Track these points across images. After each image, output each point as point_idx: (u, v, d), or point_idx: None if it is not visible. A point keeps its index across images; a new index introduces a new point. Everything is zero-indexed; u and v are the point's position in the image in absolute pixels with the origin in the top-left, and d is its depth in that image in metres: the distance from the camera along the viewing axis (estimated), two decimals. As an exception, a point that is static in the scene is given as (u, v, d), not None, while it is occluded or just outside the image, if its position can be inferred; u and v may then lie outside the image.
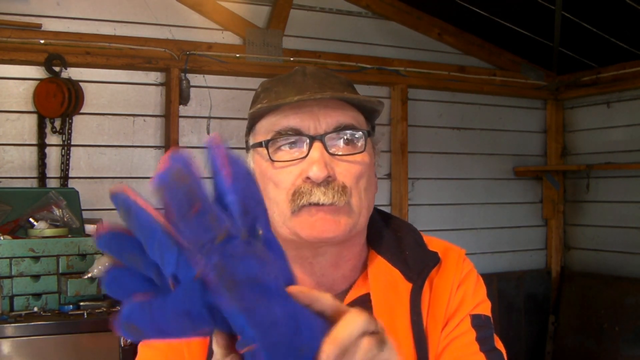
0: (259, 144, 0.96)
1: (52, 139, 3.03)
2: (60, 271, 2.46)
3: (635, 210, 3.92)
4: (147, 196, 0.51)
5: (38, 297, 2.43)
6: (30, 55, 2.93)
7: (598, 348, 3.85)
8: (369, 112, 1.00)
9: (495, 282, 4.03)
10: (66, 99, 2.95)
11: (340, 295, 0.98)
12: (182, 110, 3.28)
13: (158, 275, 0.51)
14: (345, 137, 0.94)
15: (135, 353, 1.00)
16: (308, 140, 0.92)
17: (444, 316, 0.96)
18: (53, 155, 3.03)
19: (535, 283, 4.26)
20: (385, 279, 0.98)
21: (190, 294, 0.49)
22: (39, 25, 2.98)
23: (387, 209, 3.66)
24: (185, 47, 3.26)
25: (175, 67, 3.21)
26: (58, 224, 2.61)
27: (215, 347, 0.55)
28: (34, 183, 2.99)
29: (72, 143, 3.06)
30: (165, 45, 3.23)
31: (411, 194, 3.88)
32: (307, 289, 0.57)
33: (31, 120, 3.00)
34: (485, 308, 0.99)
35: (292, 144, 0.94)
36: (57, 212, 2.63)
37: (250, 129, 1.01)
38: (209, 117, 3.38)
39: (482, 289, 1.02)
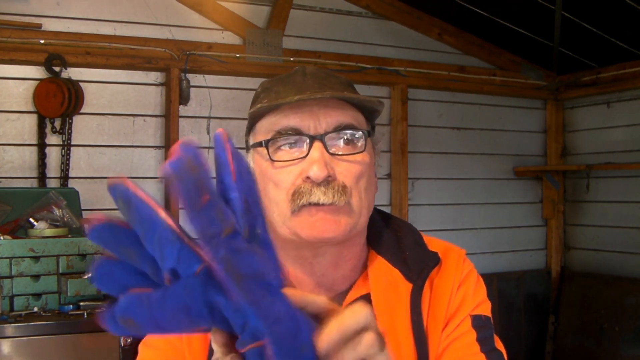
0: (259, 144, 0.96)
1: (52, 139, 3.03)
2: (60, 271, 2.46)
3: (635, 210, 3.92)
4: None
5: (38, 297, 2.43)
6: (30, 55, 2.93)
7: (598, 348, 3.85)
8: (369, 112, 0.99)
9: (495, 282, 4.03)
10: (66, 99, 2.95)
11: (341, 296, 0.98)
12: (182, 110, 3.28)
13: (154, 269, 0.50)
14: (345, 137, 0.94)
15: (135, 353, 0.99)
16: (308, 140, 0.92)
17: (444, 316, 0.96)
18: (53, 155, 3.03)
19: (535, 283, 4.26)
20: (386, 279, 0.98)
21: (190, 289, 0.49)
22: (39, 25, 2.98)
23: (387, 209, 3.66)
24: (185, 47, 3.26)
25: (175, 67, 3.21)
26: (58, 224, 2.61)
27: (214, 346, 0.54)
28: (34, 183, 2.99)
29: (72, 143, 3.06)
30: (165, 45, 3.23)
31: (411, 194, 3.88)
32: (300, 292, 0.56)
33: (31, 120, 3.00)
34: (485, 308, 0.99)
35: (292, 144, 0.94)
36: (57, 212, 2.63)
37: (250, 128, 1.01)
38: (209, 117, 3.38)
39: (483, 290, 1.02)
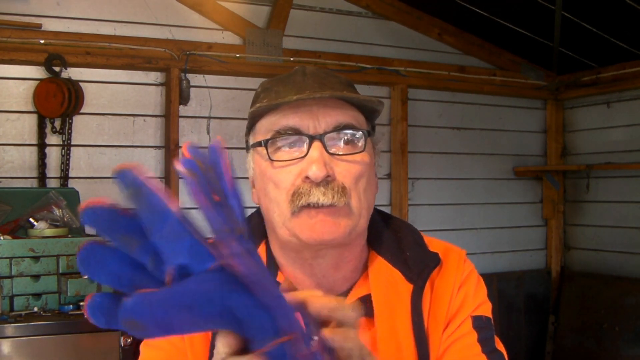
0: (259, 144, 0.96)
1: (52, 139, 3.03)
2: (60, 271, 2.46)
3: (635, 210, 3.92)
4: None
5: (38, 297, 2.43)
6: (30, 55, 2.93)
7: (598, 348, 3.85)
8: (369, 112, 0.99)
9: (495, 282, 4.03)
10: (66, 99, 2.95)
11: (341, 297, 0.98)
12: (182, 110, 3.28)
13: (155, 263, 0.48)
14: (345, 137, 0.94)
15: (135, 353, 0.99)
16: (307, 140, 0.92)
17: (445, 317, 0.96)
18: (53, 155, 3.03)
19: (535, 283, 4.26)
20: (386, 279, 0.97)
21: (206, 284, 0.47)
22: (39, 25, 2.98)
23: (387, 209, 3.66)
24: (185, 47, 3.26)
25: (175, 67, 3.21)
26: (58, 224, 2.61)
27: (221, 347, 0.52)
28: (34, 183, 2.99)
29: (72, 143, 3.06)
30: (165, 45, 3.23)
31: (411, 194, 3.88)
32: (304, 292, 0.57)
33: (31, 120, 3.00)
34: (486, 309, 0.99)
35: (292, 144, 0.94)
36: (57, 212, 2.63)
37: (250, 128, 1.01)
38: (209, 117, 3.38)
39: (483, 290, 1.02)
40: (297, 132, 0.93)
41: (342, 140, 0.94)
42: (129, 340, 2.32)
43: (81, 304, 2.43)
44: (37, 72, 2.99)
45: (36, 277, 2.42)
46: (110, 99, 3.17)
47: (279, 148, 0.94)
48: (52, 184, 3.00)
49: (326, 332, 0.54)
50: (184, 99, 3.25)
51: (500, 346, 0.97)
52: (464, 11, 3.68)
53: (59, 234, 2.56)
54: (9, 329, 2.23)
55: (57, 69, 2.97)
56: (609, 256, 4.07)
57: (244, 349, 0.51)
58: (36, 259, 2.43)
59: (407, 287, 0.96)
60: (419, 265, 0.98)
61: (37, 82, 2.97)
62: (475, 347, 0.94)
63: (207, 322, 0.48)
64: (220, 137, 0.52)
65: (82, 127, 3.11)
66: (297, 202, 0.91)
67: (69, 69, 3.01)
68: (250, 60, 3.40)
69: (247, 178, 1.04)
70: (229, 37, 3.43)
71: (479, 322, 0.96)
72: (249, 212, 1.07)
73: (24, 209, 2.63)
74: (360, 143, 0.95)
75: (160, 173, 3.27)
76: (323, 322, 0.55)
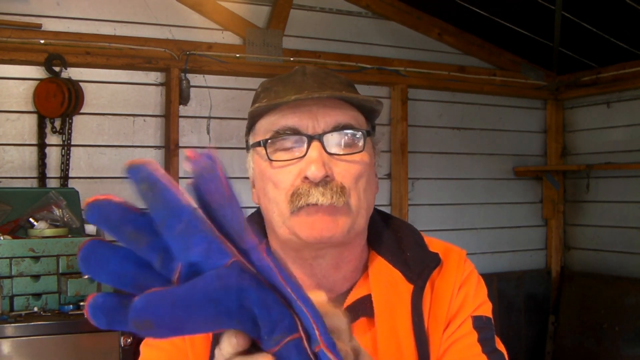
0: (258, 144, 0.96)
1: (52, 139, 3.03)
2: (60, 271, 2.46)
3: (635, 210, 3.92)
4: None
5: (38, 297, 2.43)
6: (30, 55, 2.93)
7: (598, 348, 3.85)
8: (368, 112, 0.99)
9: (495, 282, 4.03)
10: (66, 99, 2.95)
11: (341, 297, 0.98)
12: (182, 110, 3.28)
13: (163, 261, 0.47)
14: (344, 137, 0.94)
15: (135, 353, 0.99)
16: (306, 140, 0.92)
17: (445, 317, 0.96)
18: (53, 155, 3.03)
19: (535, 283, 4.26)
20: (386, 280, 0.97)
21: (223, 279, 0.46)
22: (39, 25, 2.98)
23: (387, 209, 3.66)
24: (185, 47, 3.26)
25: (175, 67, 3.21)
26: (58, 224, 2.61)
27: (226, 347, 0.51)
28: (34, 183, 2.99)
29: (72, 143, 3.06)
30: (165, 45, 3.23)
31: (411, 194, 3.88)
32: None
33: (31, 120, 3.00)
34: (486, 309, 0.99)
35: (291, 144, 0.93)
36: (57, 212, 2.63)
37: (250, 128, 1.01)
38: (209, 117, 3.38)
39: (483, 290, 1.01)
40: (296, 132, 0.93)
41: (341, 140, 0.94)
42: (129, 340, 2.32)
43: (81, 304, 2.43)
44: (37, 72, 2.99)
45: (36, 277, 2.42)
46: (110, 99, 3.17)
47: (278, 148, 0.94)
48: (52, 184, 3.00)
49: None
50: (184, 99, 3.25)
51: (500, 346, 0.97)
52: (464, 11, 3.68)
53: (59, 234, 2.56)
54: (9, 329, 2.23)
55: (57, 69, 2.97)
56: (609, 256, 4.07)
57: (250, 349, 0.51)
58: (36, 259, 2.43)
59: (407, 288, 0.96)
60: (419, 265, 0.98)
61: (37, 82, 2.97)
62: (475, 347, 0.94)
63: (223, 319, 0.47)
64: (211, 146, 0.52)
65: (82, 127, 3.11)
66: (297, 202, 0.91)
67: (69, 69, 3.01)
68: (250, 60, 3.40)
69: (247, 178, 1.04)
70: (229, 37, 3.43)
71: (479, 322, 0.96)
72: (249, 211, 1.07)
73: (24, 209, 2.63)
74: (360, 143, 0.94)
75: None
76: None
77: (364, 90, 3.48)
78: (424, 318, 0.94)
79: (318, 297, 0.58)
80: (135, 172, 0.46)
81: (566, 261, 4.36)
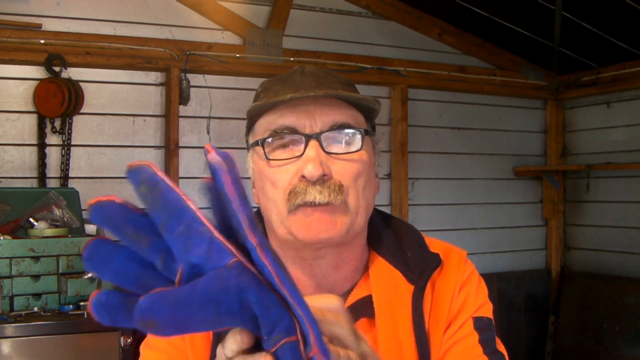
0: (256, 143, 0.96)
1: (52, 139, 3.03)
2: (60, 271, 2.46)
3: (635, 210, 3.92)
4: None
5: (38, 297, 2.43)
6: (30, 55, 2.93)
7: (598, 348, 3.85)
8: (367, 111, 0.99)
9: (495, 282, 4.03)
10: (66, 99, 2.95)
11: (342, 297, 0.97)
12: (182, 110, 3.28)
13: (165, 262, 0.48)
14: (342, 136, 0.94)
15: (135, 353, 0.99)
16: (304, 139, 0.92)
17: (446, 318, 0.96)
18: (53, 155, 3.03)
19: (535, 283, 4.26)
20: (387, 280, 0.97)
21: (224, 280, 0.47)
22: (39, 25, 2.98)
23: (387, 209, 3.66)
24: (185, 47, 3.26)
25: (175, 67, 3.21)
26: (58, 224, 2.61)
27: (231, 344, 0.51)
28: (34, 183, 2.99)
29: (72, 143, 3.06)
30: (165, 45, 3.23)
31: (411, 194, 3.88)
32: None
33: (31, 120, 3.00)
34: (487, 310, 0.99)
35: (289, 143, 0.93)
36: (57, 212, 2.63)
37: (249, 128, 1.01)
38: (209, 117, 3.38)
39: (484, 291, 1.01)
40: (293, 131, 0.93)
41: (339, 139, 0.93)
42: (129, 340, 2.32)
43: (81, 304, 2.43)
44: (37, 72, 2.99)
45: (36, 277, 2.42)
46: (110, 99, 3.17)
47: (276, 147, 0.94)
48: (52, 184, 3.00)
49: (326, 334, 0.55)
50: (184, 99, 3.25)
51: (501, 347, 0.97)
52: (464, 11, 3.68)
53: (59, 234, 2.56)
54: (9, 329, 2.23)
55: (57, 69, 2.97)
56: (609, 256, 4.07)
57: (253, 348, 0.51)
58: (36, 259, 2.43)
59: (408, 288, 0.96)
60: (419, 266, 0.98)
61: (37, 82, 2.97)
62: (476, 348, 0.94)
63: (226, 319, 0.48)
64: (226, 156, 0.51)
65: (82, 127, 3.11)
66: (294, 201, 0.90)
67: (69, 69, 3.01)
68: (250, 60, 3.40)
69: (248, 178, 1.04)
70: (229, 37, 3.43)
71: (480, 323, 0.96)
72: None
73: (24, 209, 2.63)
74: (358, 142, 0.94)
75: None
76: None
77: (364, 91, 3.48)
78: (425, 319, 0.94)
79: (332, 302, 0.58)
80: (136, 174, 0.47)
81: (566, 261, 4.36)
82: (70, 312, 2.39)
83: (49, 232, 2.55)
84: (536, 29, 3.76)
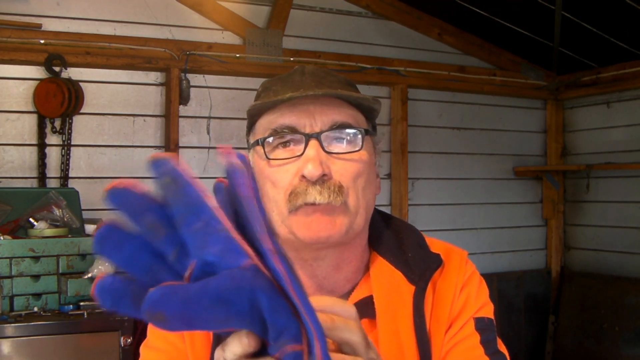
0: (256, 142, 0.96)
1: (52, 139, 3.03)
2: (60, 271, 2.46)
3: (635, 210, 3.92)
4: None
5: (38, 297, 2.42)
6: (30, 55, 2.93)
7: (598, 348, 3.85)
8: (367, 111, 0.99)
9: (495, 282, 4.03)
10: (66, 99, 2.95)
11: (343, 298, 0.97)
12: (182, 110, 3.28)
13: (177, 255, 0.47)
14: (342, 136, 0.93)
15: (135, 353, 0.99)
16: (304, 139, 0.92)
17: (447, 319, 0.96)
18: (53, 155, 3.03)
19: (535, 283, 4.26)
20: (388, 281, 0.97)
21: (238, 280, 0.46)
22: (39, 25, 2.98)
23: (387, 209, 3.66)
24: (185, 47, 3.26)
25: (175, 67, 3.21)
26: (58, 224, 2.61)
27: (234, 346, 0.51)
28: (34, 183, 2.99)
29: (72, 143, 3.06)
30: (165, 45, 3.23)
31: (411, 194, 3.88)
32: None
33: (31, 120, 3.00)
34: (488, 311, 0.99)
35: (289, 143, 0.93)
36: (57, 212, 2.63)
37: (250, 128, 1.01)
38: (209, 117, 3.38)
39: (485, 291, 1.01)
40: (293, 130, 0.92)
41: (339, 139, 0.93)
42: (129, 340, 2.32)
43: (81, 304, 2.43)
44: (37, 72, 2.99)
45: (36, 277, 2.42)
46: (110, 99, 3.17)
47: (276, 147, 0.94)
48: (52, 184, 3.00)
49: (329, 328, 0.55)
50: (184, 99, 3.25)
51: (502, 348, 0.97)
52: (464, 11, 3.68)
53: (59, 234, 2.56)
54: (9, 329, 2.23)
55: (57, 69, 2.97)
56: (609, 256, 4.07)
57: (257, 352, 0.50)
58: (36, 259, 2.43)
59: (409, 289, 0.96)
60: (420, 266, 0.97)
61: (37, 82, 2.97)
62: (477, 349, 0.94)
63: (235, 319, 0.47)
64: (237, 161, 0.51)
65: (82, 127, 3.11)
66: (294, 202, 0.90)
67: (69, 69, 3.01)
68: (250, 60, 3.40)
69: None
70: (229, 37, 3.43)
71: (481, 324, 0.96)
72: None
73: (24, 209, 2.63)
74: (358, 141, 0.94)
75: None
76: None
77: (364, 91, 3.46)
78: (426, 319, 0.94)
79: (347, 311, 0.58)
80: (159, 166, 0.46)
81: (566, 261, 4.36)
82: (70, 312, 2.39)
83: (49, 232, 2.55)
84: (536, 29, 3.76)
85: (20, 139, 2.99)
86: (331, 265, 0.96)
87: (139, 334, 2.35)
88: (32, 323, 2.28)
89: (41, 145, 2.99)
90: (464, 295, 0.97)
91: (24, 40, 2.93)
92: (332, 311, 0.57)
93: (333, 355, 0.55)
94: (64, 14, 3.06)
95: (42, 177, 2.98)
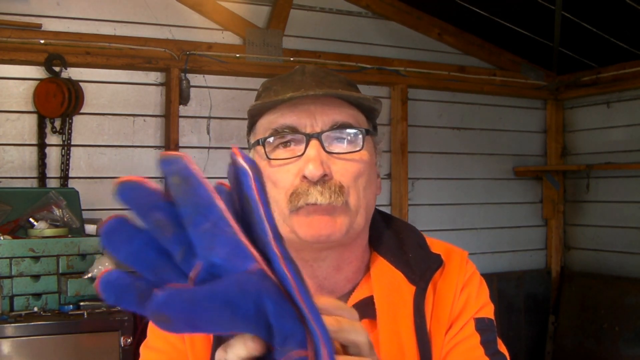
0: (257, 142, 0.96)
1: (52, 139, 3.03)
2: (60, 271, 2.46)
3: (635, 210, 3.92)
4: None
5: (38, 297, 2.42)
6: (30, 55, 2.93)
7: (598, 348, 3.85)
8: (368, 111, 0.99)
9: (495, 282, 4.03)
10: (66, 99, 2.95)
11: (343, 298, 0.98)
12: (182, 110, 3.28)
13: (183, 254, 0.47)
14: (342, 136, 0.93)
15: (135, 353, 0.99)
16: (305, 139, 0.92)
17: (447, 319, 0.96)
18: (53, 155, 3.03)
19: (535, 283, 4.26)
20: (389, 281, 0.97)
21: (244, 285, 0.46)
22: (39, 25, 2.98)
23: (387, 209, 3.66)
24: (185, 47, 3.26)
25: (175, 67, 3.21)
26: (58, 224, 2.61)
27: (238, 349, 0.50)
28: (34, 183, 2.99)
29: (72, 143, 3.06)
30: (165, 45, 3.23)
31: (411, 194, 3.88)
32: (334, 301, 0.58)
33: (31, 120, 3.00)
34: (488, 311, 0.99)
35: (290, 143, 0.93)
36: (57, 212, 2.63)
37: (250, 128, 1.01)
38: (209, 117, 3.38)
39: (485, 292, 1.01)
40: (294, 130, 0.92)
41: (340, 139, 0.93)
42: (129, 340, 2.32)
43: (81, 304, 2.43)
44: (37, 72, 2.99)
45: (36, 277, 2.42)
46: (110, 99, 3.17)
47: (276, 147, 0.94)
48: (52, 184, 3.00)
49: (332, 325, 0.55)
50: (184, 99, 3.25)
51: (502, 348, 0.97)
52: (464, 11, 3.68)
53: (59, 234, 2.56)
54: (9, 329, 2.23)
55: (57, 69, 2.97)
56: (609, 256, 4.07)
57: (260, 357, 0.50)
58: (36, 259, 2.42)
59: (409, 289, 0.96)
60: (421, 266, 0.97)
61: (37, 82, 2.97)
62: (478, 349, 0.94)
63: (240, 323, 0.47)
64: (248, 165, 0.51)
65: (82, 127, 3.11)
66: (296, 202, 0.90)
67: (69, 69, 3.01)
68: (250, 60, 3.40)
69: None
70: (229, 37, 3.43)
71: (481, 324, 0.96)
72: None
73: (24, 209, 2.63)
74: (359, 141, 0.94)
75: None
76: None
77: (364, 91, 3.46)
78: (426, 320, 0.94)
79: (351, 312, 0.58)
80: (169, 164, 0.46)
81: (566, 261, 4.36)
82: (70, 312, 2.39)
83: (49, 232, 2.55)
84: (536, 29, 3.76)
85: (20, 139, 2.99)
86: (332, 266, 0.96)
87: (139, 334, 2.35)
88: (32, 323, 2.28)
89: (41, 145, 2.99)
90: (464, 296, 0.97)
91: (24, 40, 2.93)
92: (337, 313, 0.57)
93: (339, 358, 0.55)
94: (64, 14, 3.06)
95: (42, 177, 2.98)
